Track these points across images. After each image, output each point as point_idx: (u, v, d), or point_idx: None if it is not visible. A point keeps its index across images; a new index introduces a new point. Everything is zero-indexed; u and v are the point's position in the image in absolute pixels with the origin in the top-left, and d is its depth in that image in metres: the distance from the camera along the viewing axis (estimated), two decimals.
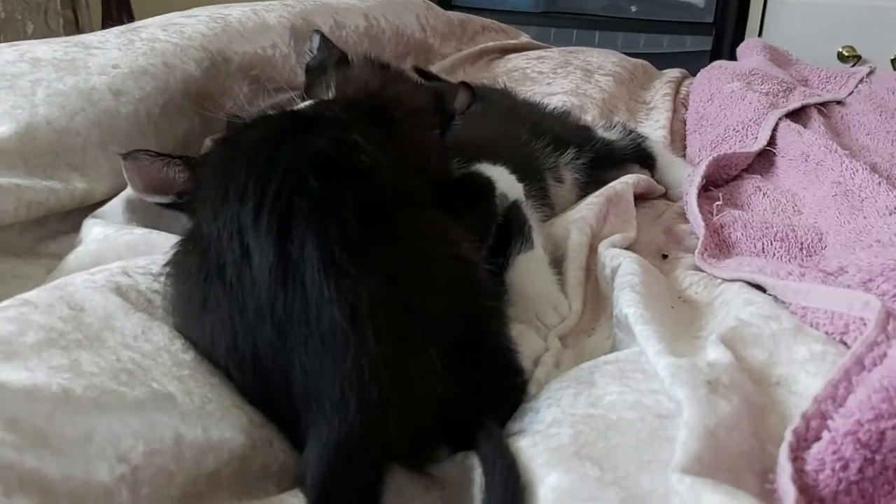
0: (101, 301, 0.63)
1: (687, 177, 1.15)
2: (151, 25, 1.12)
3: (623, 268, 0.79)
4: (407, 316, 0.59)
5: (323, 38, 1.12)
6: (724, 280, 0.85)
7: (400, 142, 0.73)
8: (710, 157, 1.14)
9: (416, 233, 0.64)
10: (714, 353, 0.62)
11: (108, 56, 1.01)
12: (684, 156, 1.37)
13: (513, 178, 0.94)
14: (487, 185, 0.89)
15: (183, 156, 0.83)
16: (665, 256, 1.00)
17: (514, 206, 0.90)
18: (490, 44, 1.78)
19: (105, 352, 0.58)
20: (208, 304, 0.60)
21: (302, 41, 1.29)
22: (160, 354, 0.60)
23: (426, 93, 0.94)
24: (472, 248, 0.70)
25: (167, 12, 1.26)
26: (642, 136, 1.28)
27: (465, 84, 0.95)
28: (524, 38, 1.90)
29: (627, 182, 1.03)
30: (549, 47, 1.87)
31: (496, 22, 1.92)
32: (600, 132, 1.24)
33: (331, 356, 0.56)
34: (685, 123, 1.51)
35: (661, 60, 2.40)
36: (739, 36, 2.55)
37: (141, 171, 0.83)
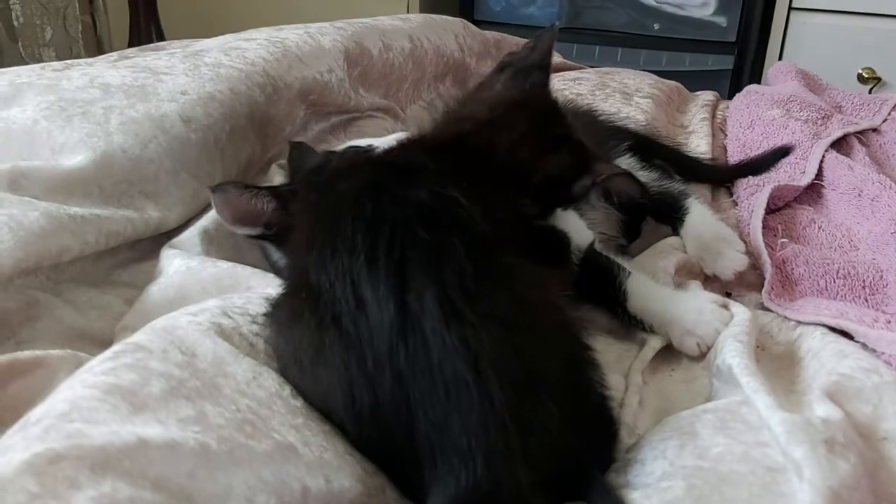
0: (211, 345, 0.63)
1: (747, 207, 1.15)
2: (213, 49, 1.12)
3: (734, 318, 0.80)
4: (524, 363, 0.59)
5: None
6: (800, 323, 0.86)
7: (484, 195, 0.73)
8: (769, 189, 1.15)
9: (521, 279, 0.65)
10: (823, 409, 0.62)
11: (177, 82, 1.01)
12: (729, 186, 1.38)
13: (582, 223, 0.94)
14: (564, 241, 0.89)
15: (269, 186, 0.83)
16: (728, 294, 1.00)
17: (589, 254, 0.90)
18: None
19: (224, 400, 0.58)
20: (322, 355, 0.61)
21: (353, 65, 1.29)
22: (274, 402, 0.60)
23: (553, 150, 0.83)
24: (567, 299, 0.71)
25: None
26: (680, 192, 1.09)
27: (629, 175, 0.87)
28: (557, 58, 1.90)
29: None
30: (583, 67, 1.88)
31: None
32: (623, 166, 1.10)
33: (455, 408, 0.56)
34: (725, 149, 1.52)
35: (683, 79, 2.40)
36: (760, 55, 2.57)
37: (230, 203, 0.83)
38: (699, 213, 1.04)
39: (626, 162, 1.10)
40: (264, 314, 0.68)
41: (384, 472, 0.61)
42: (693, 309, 0.83)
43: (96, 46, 2.61)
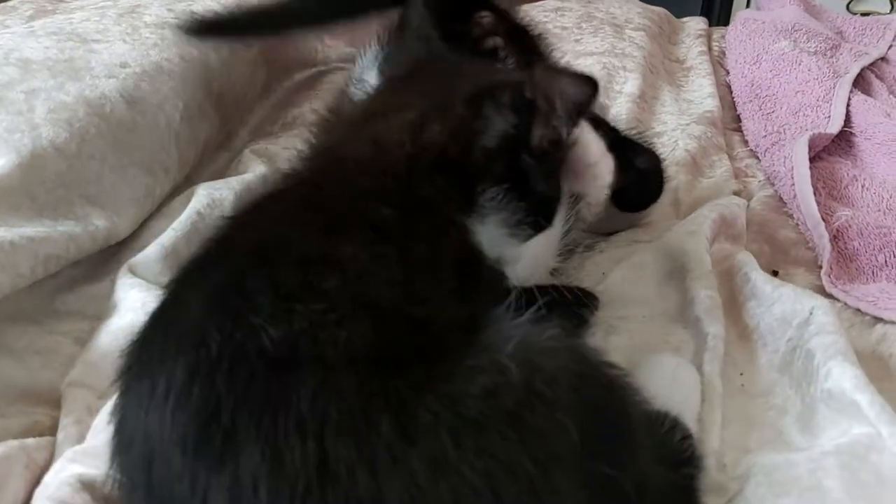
0: None
1: (779, 160, 1.02)
2: (152, 3, 0.92)
3: (818, 321, 0.66)
4: None
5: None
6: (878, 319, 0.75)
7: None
8: (805, 141, 1.01)
9: None
10: None
11: (114, 52, 0.81)
12: (739, 128, 1.24)
13: None
14: None
15: None
16: (776, 273, 0.88)
17: None
18: None
19: None
20: None
21: None
22: None
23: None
24: None
25: None
26: None
27: (584, 78, 0.58)
28: None
29: (740, 205, 0.90)
30: None
31: None
32: None
33: None
34: (729, 88, 1.38)
35: None
36: None
37: None
38: None
39: None
40: None
41: None
42: None
43: None
